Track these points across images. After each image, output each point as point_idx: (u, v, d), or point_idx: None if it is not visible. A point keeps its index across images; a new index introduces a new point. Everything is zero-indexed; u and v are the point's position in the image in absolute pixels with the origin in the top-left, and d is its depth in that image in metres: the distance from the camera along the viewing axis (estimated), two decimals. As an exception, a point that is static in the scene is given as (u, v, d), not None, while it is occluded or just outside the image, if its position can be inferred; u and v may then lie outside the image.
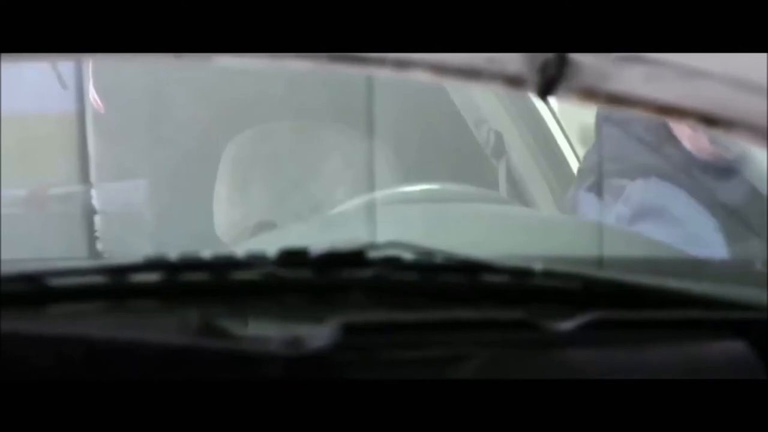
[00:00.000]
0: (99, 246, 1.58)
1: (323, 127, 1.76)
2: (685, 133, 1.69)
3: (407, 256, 0.90)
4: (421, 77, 0.83)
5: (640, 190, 1.69)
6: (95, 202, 1.64)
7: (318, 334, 0.81)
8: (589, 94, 0.85)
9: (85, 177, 1.66)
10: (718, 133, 0.87)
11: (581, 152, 2.09)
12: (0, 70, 0.78)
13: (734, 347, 0.91)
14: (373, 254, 0.89)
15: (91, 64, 1.74)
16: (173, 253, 0.88)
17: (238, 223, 1.75)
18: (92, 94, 1.75)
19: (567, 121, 2.14)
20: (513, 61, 0.83)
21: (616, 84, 0.84)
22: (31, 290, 0.84)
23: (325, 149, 1.77)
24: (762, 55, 0.84)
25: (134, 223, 1.83)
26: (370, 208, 1.45)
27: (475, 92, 2.04)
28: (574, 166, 2.07)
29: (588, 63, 0.84)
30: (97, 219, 1.60)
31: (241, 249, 0.91)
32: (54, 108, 1.80)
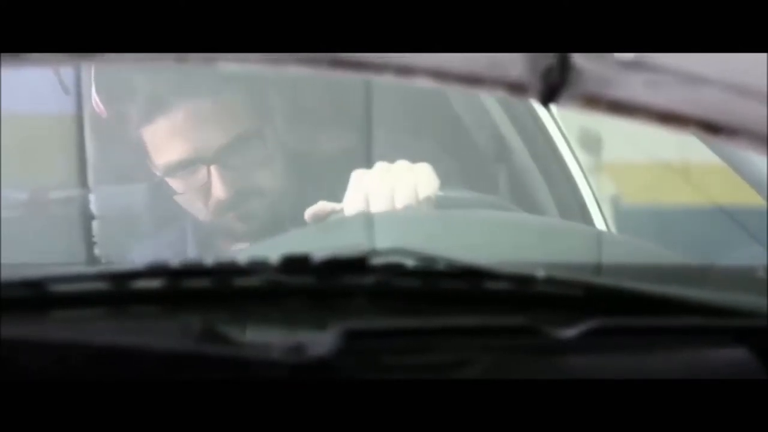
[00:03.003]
0: (97, 251, 1.57)
1: (323, 130, 1.76)
2: None
3: (409, 262, 0.90)
4: (422, 83, 0.83)
5: None
6: (94, 206, 1.63)
7: (320, 340, 0.81)
8: (591, 100, 0.85)
9: (83, 180, 1.66)
10: (720, 141, 0.87)
11: (582, 156, 2.09)
12: (0, 71, 0.78)
13: (736, 354, 0.91)
14: (375, 261, 0.89)
15: (94, 68, 1.74)
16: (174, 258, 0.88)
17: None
18: (94, 98, 1.75)
19: (567, 124, 2.14)
20: (515, 68, 0.83)
21: (617, 91, 0.84)
22: (33, 296, 0.84)
23: (326, 153, 1.77)
24: (763, 61, 0.84)
25: (133, 228, 1.83)
26: (373, 214, 1.45)
27: (476, 97, 2.05)
28: (575, 170, 2.07)
29: (590, 69, 0.84)
30: (95, 223, 1.60)
31: (243, 255, 0.91)
32: (52, 109, 1.80)
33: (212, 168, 1.65)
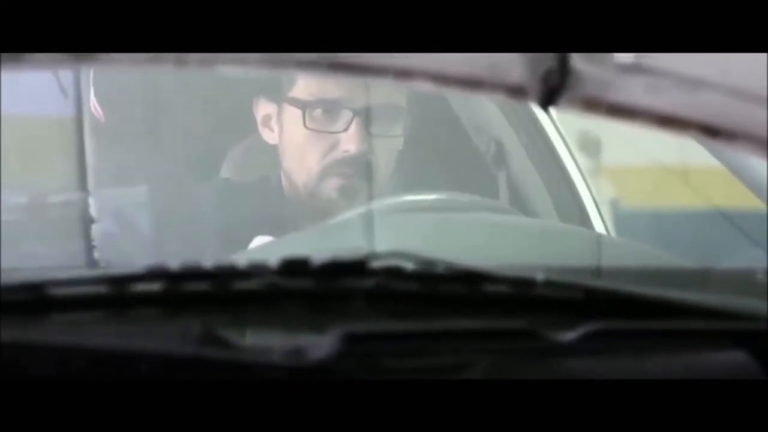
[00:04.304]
0: (97, 254, 1.57)
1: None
2: None
3: (409, 265, 0.90)
4: (422, 87, 0.83)
5: None
6: (94, 210, 1.63)
7: (320, 343, 0.81)
8: (591, 104, 0.85)
9: (83, 183, 1.66)
10: (720, 144, 0.87)
11: (581, 159, 2.10)
12: (0, 71, 0.78)
13: (735, 357, 0.91)
14: (374, 264, 0.89)
15: (92, 72, 1.74)
16: (173, 261, 0.88)
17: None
18: (93, 103, 1.75)
19: (566, 127, 2.14)
20: (515, 71, 0.83)
21: (617, 94, 0.85)
22: (32, 299, 0.84)
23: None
24: (762, 64, 0.84)
25: (133, 231, 1.83)
26: (372, 218, 1.45)
27: (475, 101, 2.05)
28: (574, 173, 2.08)
29: (589, 72, 0.84)
30: (95, 226, 1.60)
31: (242, 258, 0.91)
32: (52, 110, 1.80)
33: (356, 119, 1.63)
